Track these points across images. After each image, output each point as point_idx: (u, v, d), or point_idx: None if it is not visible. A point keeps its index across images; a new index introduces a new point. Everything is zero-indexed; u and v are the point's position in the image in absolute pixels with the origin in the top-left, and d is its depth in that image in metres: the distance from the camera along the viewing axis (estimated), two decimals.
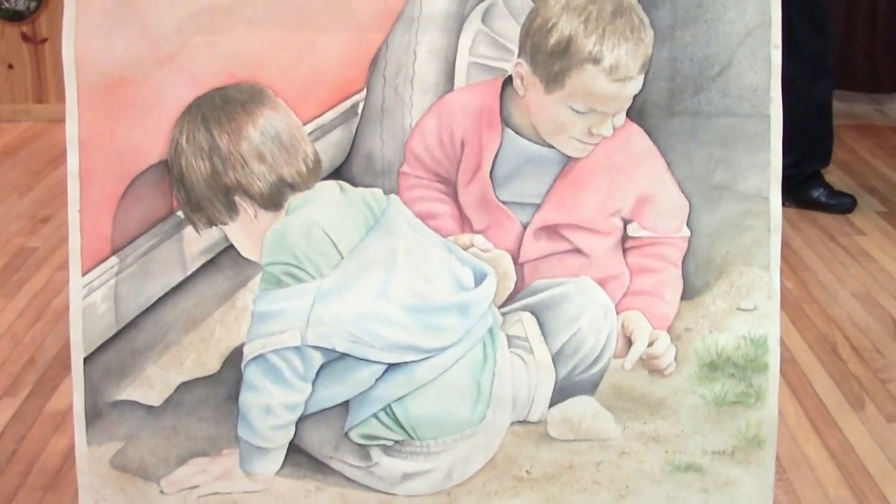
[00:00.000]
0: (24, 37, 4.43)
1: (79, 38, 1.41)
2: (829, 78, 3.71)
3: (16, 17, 4.39)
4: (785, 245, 3.56)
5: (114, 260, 1.41)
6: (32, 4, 4.37)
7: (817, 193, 3.88)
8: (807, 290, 3.23)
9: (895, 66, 4.37)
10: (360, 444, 1.41)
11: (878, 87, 4.93)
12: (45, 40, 4.42)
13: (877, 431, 2.52)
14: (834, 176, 4.19)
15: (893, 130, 4.59)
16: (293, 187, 1.41)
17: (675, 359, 1.44)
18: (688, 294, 1.45)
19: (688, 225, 1.45)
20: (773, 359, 1.45)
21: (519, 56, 1.41)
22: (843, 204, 3.80)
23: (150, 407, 1.44)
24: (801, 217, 3.79)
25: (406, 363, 1.39)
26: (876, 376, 2.75)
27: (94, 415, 1.43)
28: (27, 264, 3.08)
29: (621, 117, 1.41)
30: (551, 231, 1.44)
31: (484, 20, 1.45)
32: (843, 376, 2.78)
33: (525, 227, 1.44)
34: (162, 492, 1.43)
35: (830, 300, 3.17)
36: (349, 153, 1.44)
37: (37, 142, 4.30)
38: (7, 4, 4.35)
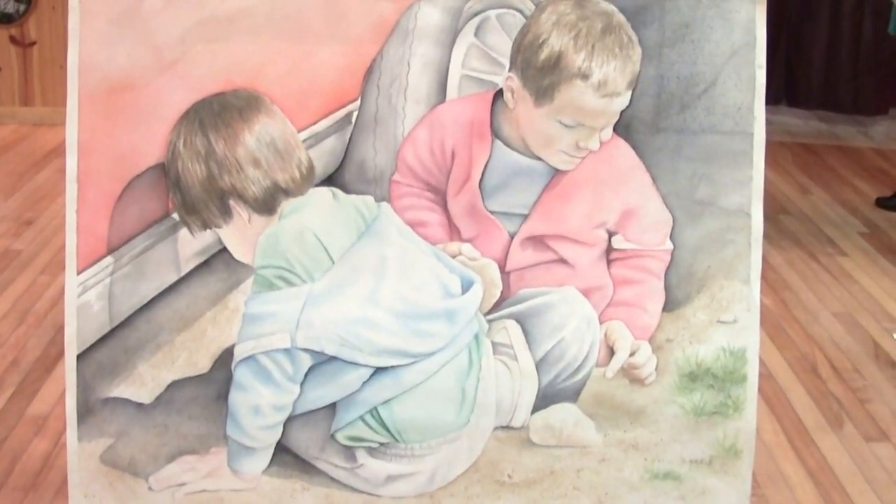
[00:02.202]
0: (13, 40, 4.45)
1: (82, 45, 1.44)
2: None
3: (4, 19, 4.41)
4: (766, 263, 3.60)
5: (109, 260, 1.44)
6: (21, 7, 4.40)
7: None
8: (787, 309, 3.27)
9: (879, 89, 4.42)
10: (345, 446, 1.44)
11: (862, 109, 4.99)
12: (33, 43, 4.44)
13: (855, 451, 2.55)
14: (816, 196, 4.24)
15: (876, 152, 4.65)
16: (287, 193, 1.44)
17: (656, 369, 1.48)
18: (669, 306, 1.49)
19: (671, 238, 1.48)
20: (752, 371, 1.49)
21: (510, 70, 1.44)
22: None
23: (140, 404, 1.46)
24: (782, 236, 3.83)
25: (393, 367, 1.42)
26: (855, 396, 2.79)
27: (85, 411, 1.45)
28: (11, 266, 3.09)
29: (608, 132, 1.45)
30: (538, 241, 1.47)
31: (477, 34, 1.49)
32: (823, 395, 2.81)
33: (512, 236, 1.47)
34: (150, 488, 1.45)
35: (811, 319, 3.21)
36: (342, 161, 1.47)
37: (22, 144, 4.31)
38: None
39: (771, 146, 4.94)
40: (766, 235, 4.03)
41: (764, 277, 3.61)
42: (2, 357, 2.53)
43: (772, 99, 5.62)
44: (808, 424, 2.72)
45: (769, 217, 3.98)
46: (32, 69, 4.48)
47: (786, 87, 5.41)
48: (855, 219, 4.04)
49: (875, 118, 4.98)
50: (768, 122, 4.81)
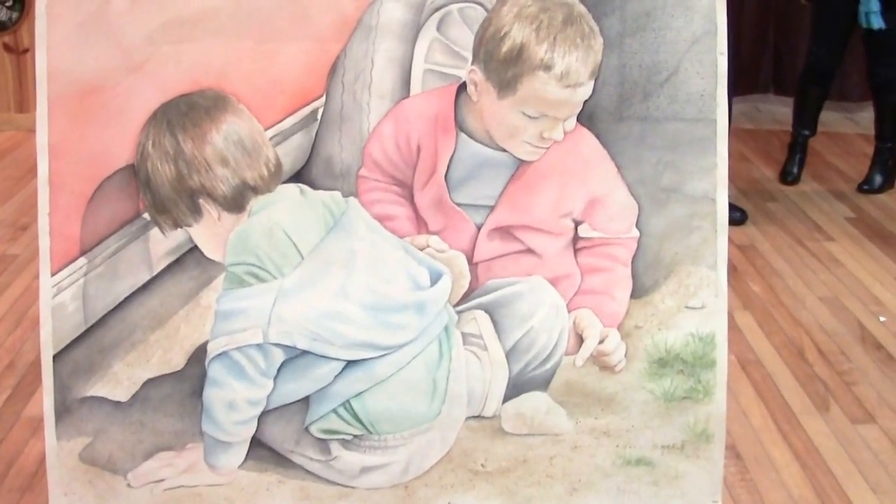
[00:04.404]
0: (6, 47, 4.48)
1: (51, 50, 1.46)
2: None
3: None
4: (754, 250, 3.63)
5: (82, 261, 1.46)
6: (14, 15, 4.42)
7: None
8: (775, 295, 3.29)
9: (864, 76, 4.42)
10: (320, 439, 1.46)
11: (848, 96, 5.00)
12: (26, 50, 4.46)
13: (841, 433, 2.56)
14: (804, 184, 4.25)
15: (862, 138, 4.66)
16: (255, 190, 1.45)
17: (626, 356, 1.49)
18: (637, 293, 1.50)
19: (637, 226, 1.50)
20: (721, 355, 1.50)
21: (473, 63, 1.45)
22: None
23: (117, 403, 1.48)
24: (770, 223, 3.85)
25: (365, 360, 1.44)
26: (841, 379, 2.80)
27: (63, 411, 1.47)
28: (7, 271, 3.12)
29: (572, 122, 1.46)
30: (504, 232, 1.49)
31: (439, 29, 1.50)
32: (809, 379, 2.82)
33: (479, 228, 1.49)
34: (129, 485, 1.47)
35: (798, 305, 3.22)
36: (309, 157, 1.49)
37: (18, 150, 4.34)
38: None
39: (759, 134, 4.96)
40: (753, 222, 4.04)
41: (752, 264, 3.64)
42: None
43: (760, 87, 5.64)
44: (795, 408, 2.74)
45: (757, 204, 4.01)
46: (27, 76, 4.50)
47: (773, 75, 5.41)
48: (842, 204, 4.05)
49: (861, 104, 4.99)
50: (757, 111, 4.82)
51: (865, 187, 4.14)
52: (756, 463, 2.47)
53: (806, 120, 4.23)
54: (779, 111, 4.99)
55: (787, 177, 4.24)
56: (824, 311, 3.21)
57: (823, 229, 3.81)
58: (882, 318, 3.16)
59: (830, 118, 4.39)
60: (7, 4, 4.41)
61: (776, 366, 2.94)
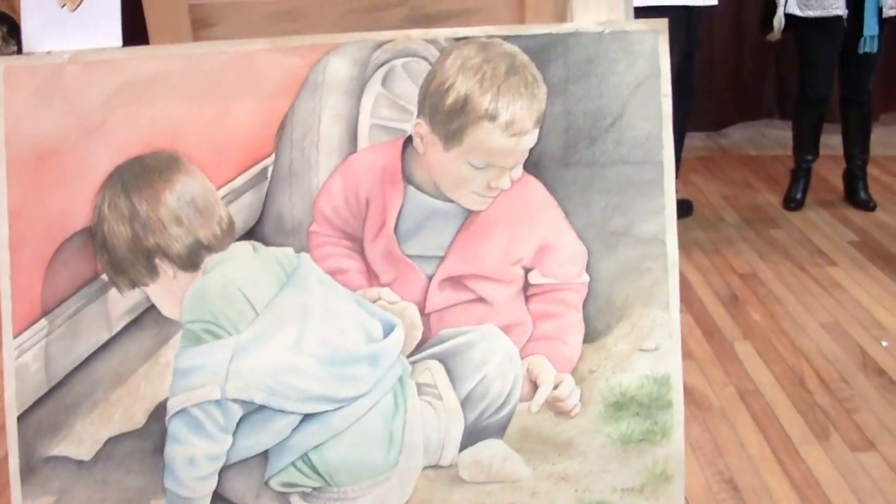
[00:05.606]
0: None
1: (9, 114, 1.50)
2: None
3: None
4: (755, 278, 3.61)
5: (44, 322, 1.49)
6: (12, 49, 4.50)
7: None
8: (776, 322, 3.27)
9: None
10: (280, 492, 1.47)
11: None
12: None
13: (840, 461, 2.54)
14: (808, 208, 4.24)
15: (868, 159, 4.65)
16: (209, 248, 1.48)
17: (581, 400, 1.49)
18: (590, 337, 1.50)
19: (587, 270, 1.50)
20: (677, 396, 1.50)
21: (418, 116, 1.47)
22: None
23: (81, 461, 1.50)
24: (773, 249, 3.83)
25: (321, 413, 1.46)
26: (842, 406, 2.78)
27: (28, 471, 1.49)
28: None
29: (518, 170, 1.48)
30: (455, 282, 1.50)
31: (384, 83, 1.52)
32: (809, 407, 2.81)
33: (430, 278, 1.50)
34: None
35: (800, 332, 3.21)
36: (261, 215, 1.51)
37: None
38: None
39: (764, 160, 4.98)
40: (756, 250, 4.03)
41: (754, 292, 3.63)
42: None
43: (764, 113, 5.62)
44: (794, 437, 2.72)
45: (760, 232, 3.99)
46: None
47: (777, 100, 5.40)
48: (846, 228, 4.03)
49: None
50: (761, 136, 4.84)
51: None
52: (753, 494, 2.45)
53: (806, 146, 4.22)
54: (783, 136, 4.98)
55: (791, 203, 4.23)
56: (826, 338, 3.19)
57: (826, 254, 3.79)
58: (884, 343, 3.14)
59: (835, 141, 4.39)
60: None
61: (776, 395, 2.92)
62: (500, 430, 1.49)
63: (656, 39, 1.49)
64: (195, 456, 1.45)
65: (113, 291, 1.50)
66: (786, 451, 2.63)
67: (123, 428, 1.50)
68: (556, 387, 1.48)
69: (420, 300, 1.50)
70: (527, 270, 1.51)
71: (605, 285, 1.50)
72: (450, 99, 1.44)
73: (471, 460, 1.49)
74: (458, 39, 1.47)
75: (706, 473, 2.48)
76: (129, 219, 1.47)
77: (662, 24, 1.49)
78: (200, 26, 1.78)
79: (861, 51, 3.84)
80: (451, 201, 1.49)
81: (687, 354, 3.07)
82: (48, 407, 1.50)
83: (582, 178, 1.49)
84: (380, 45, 1.49)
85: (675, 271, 1.50)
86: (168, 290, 1.49)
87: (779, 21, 4.03)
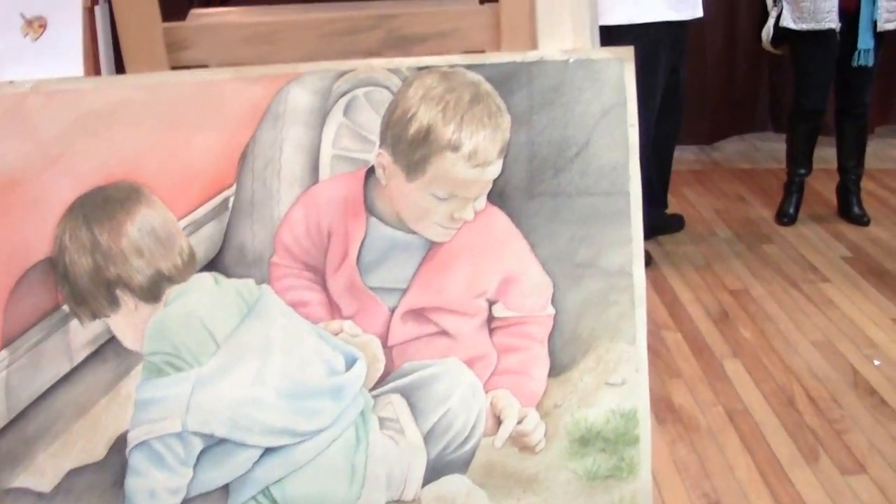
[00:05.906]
0: None
1: None
2: None
3: None
4: (746, 295, 3.59)
5: (5, 353, 1.47)
6: None
7: None
8: (766, 340, 3.24)
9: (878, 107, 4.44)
10: None
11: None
12: None
13: (830, 484, 2.52)
14: (801, 223, 4.21)
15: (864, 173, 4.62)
16: (170, 280, 1.46)
17: (546, 435, 1.47)
18: (555, 370, 1.48)
19: (553, 303, 1.48)
20: (644, 431, 1.48)
21: (380, 147, 1.46)
22: None
23: (41, 494, 1.49)
24: (764, 265, 3.80)
25: (283, 446, 1.44)
26: (832, 427, 2.76)
27: None
28: None
29: (482, 201, 1.46)
30: (418, 314, 1.48)
31: (346, 113, 1.50)
32: (799, 428, 2.78)
33: (392, 311, 1.48)
34: None
35: (790, 350, 3.18)
36: (222, 246, 1.49)
37: None
38: None
39: (757, 173, 4.96)
40: (748, 266, 4.01)
41: (744, 309, 3.60)
42: None
43: (757, 125, 5.59)
44: (783, 459, 2.70)
45: (752, 247, 3.97)
46: None
47: (771, 112, 5.37)
48: (839, 243, 4.00)
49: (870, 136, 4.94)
50: (755, 149, 4.83)
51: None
52: None
53: (800, 160, 4.21)
54: (777, 149, 4.96)
55: (784, 218, 4.21)
56: (816, 356, 3.16)
57: (819, 270, 3.76)
58: (876, 362, 3.11)
59: (829, 154, 4.36)
60: None
61: (765, 415, 2.90)
62: (463, 465, 1.48)
63: (622, 68, 1.47)
64: (155, 489, 1.44)
65: (74, 322, 1.49)
66: (774, 473, 2.60)
67: (84, 460, 1.48)
68: (520, 421, 1.46)
69: (382, 333, 1.48)
70: (491, 303, 1.49)
71: (571, 318, 1.48)
72: (412, 129, 1.43)
73: (434, 495, 1.47)
74: (420, 69, 1.45)
75: (692, 496, 2.46)
76: (91, 250, 1.46)
77: (628, 51, 1.47)
78: (175, 49, 1.77)
79: (855, 64, 3.84)
80: (414, 233, 1.47)
81: (675, 372, 3.04)
82: (9, 438, 1.48)
83: (547, 208, 1.47)
84: (341, 74, 1.48)
85: (642, 304, 1.48)
86: (129, 322, 1.48)
87: (767, 33, 4.04)
